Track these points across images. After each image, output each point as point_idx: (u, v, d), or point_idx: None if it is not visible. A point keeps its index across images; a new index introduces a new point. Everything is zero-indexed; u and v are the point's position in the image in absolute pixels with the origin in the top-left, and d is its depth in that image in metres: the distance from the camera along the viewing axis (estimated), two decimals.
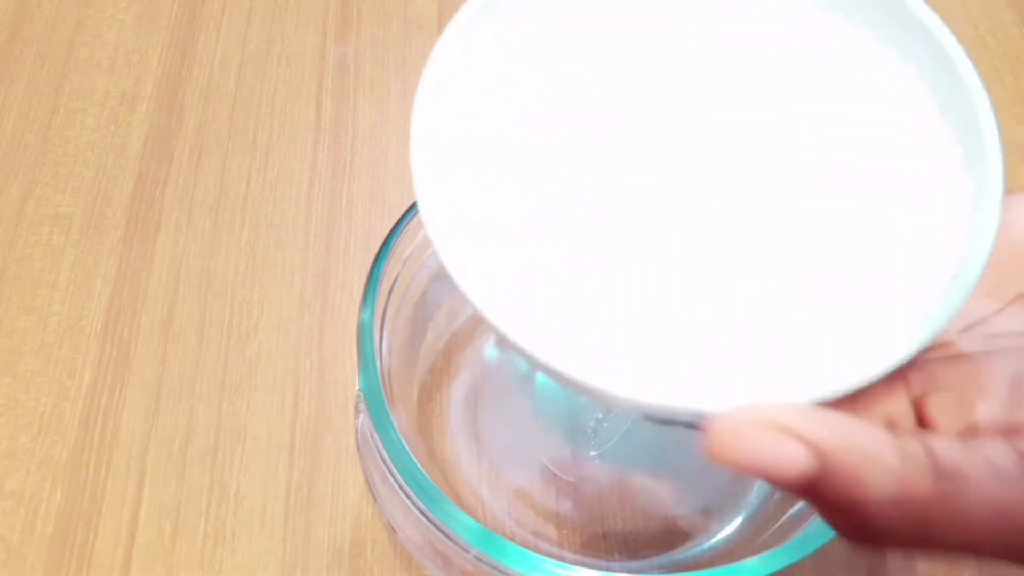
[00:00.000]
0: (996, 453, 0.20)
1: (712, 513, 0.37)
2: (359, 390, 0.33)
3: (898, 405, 0.23)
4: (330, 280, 0.44)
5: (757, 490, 0.37)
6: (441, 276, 0.40)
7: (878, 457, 0.20)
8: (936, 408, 0.22)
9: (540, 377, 0.40)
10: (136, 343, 0.42)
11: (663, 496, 0.38)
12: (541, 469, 0.38)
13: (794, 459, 0.20)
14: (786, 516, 0.35)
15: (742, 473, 0.20)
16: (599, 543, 0.36)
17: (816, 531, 0.31)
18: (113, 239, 0.46)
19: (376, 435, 0.32)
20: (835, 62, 0.25)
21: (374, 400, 0.33)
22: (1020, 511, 0.19)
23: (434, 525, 0.30)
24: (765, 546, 0.31)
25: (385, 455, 0.31)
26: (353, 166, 0.48)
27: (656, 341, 0.24)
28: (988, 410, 0.21)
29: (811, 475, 0.20)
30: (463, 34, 0.24)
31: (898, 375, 0.22)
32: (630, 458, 0.39)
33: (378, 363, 0.34)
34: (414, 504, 0.31)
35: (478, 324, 0.42)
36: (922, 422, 0.22)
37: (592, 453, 0.39)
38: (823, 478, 0.20)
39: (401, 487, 0.31)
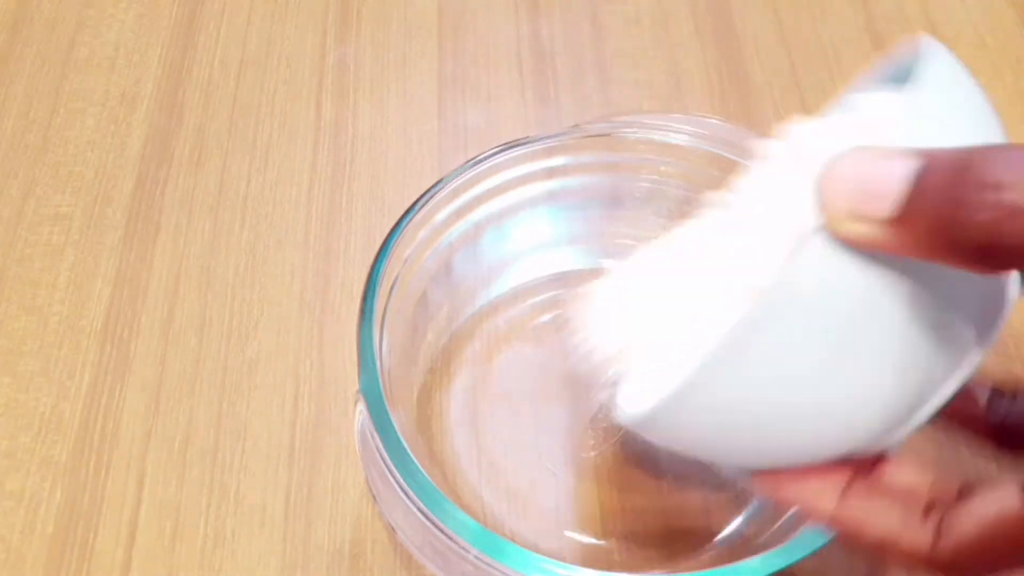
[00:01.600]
0: None
1: (712, 513, 0.37)
2: (359, 390, 0.33)
3: None
4: (330, 280, 0.44)
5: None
6: (440, 276, 0.40)
7: None
8: None
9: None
10: (136, 343, 0.42)
11: (663, 495, 0.38)
12: (541, 469, 0.38)
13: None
14: (786, 516, 0.35)
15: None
16: (599, 543, 0.36)
17: (816, 531, 0.31)
18: (113, 239, 0.46)
19: (376, 435, 0.32)
20: None
21: (374, 400, 0.33)
22: None
23: (434, 525, 0.30)
24: (765, 546, 0.31)
25: (385, 455, 0.31)
26: (353, 166, 0.48)
27: None
28: None
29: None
30: None
31: None
32: (630, 458, 0.39)
33: (378, 363, 0.34)
34: (414, 504, 0.31)
35: (477, 324, 0.42)
36: None
37: (592, 453, 0.39)
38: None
39: (401, 487, 0.31)
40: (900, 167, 0.20)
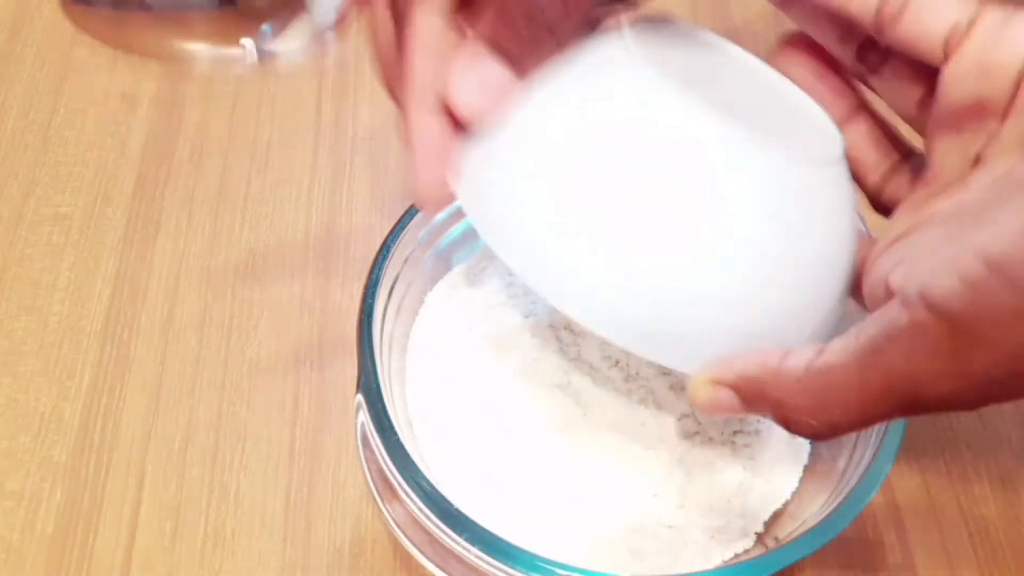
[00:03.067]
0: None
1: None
2: (359, 390, 0.33)
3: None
4: (330, 280, 0.44)
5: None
6: (440, 276, 0.40)
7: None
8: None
9: None
10: (136, 343, 0.42)
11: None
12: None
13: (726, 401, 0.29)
14: (785, 515, 0.36)
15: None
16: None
17: (815, 531, 0.31)
18: (113, 239, 0.46)
19: (376, 435, 0.32)
20: None
21: (374, 400, 0.33)
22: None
23: (434, 525, 0.30)
24: (766, 547, 0.31)
25: (385, 455, 0.31)
26: (353, 166, 0.48)
27: None
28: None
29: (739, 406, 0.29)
30: None
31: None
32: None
33: (378, 363, 0.34)
34: (414, 504, 0.31)
35: None
36: None
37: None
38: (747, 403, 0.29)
39: (401, 487, 0.31)
40: (727, 397, 0.29)
